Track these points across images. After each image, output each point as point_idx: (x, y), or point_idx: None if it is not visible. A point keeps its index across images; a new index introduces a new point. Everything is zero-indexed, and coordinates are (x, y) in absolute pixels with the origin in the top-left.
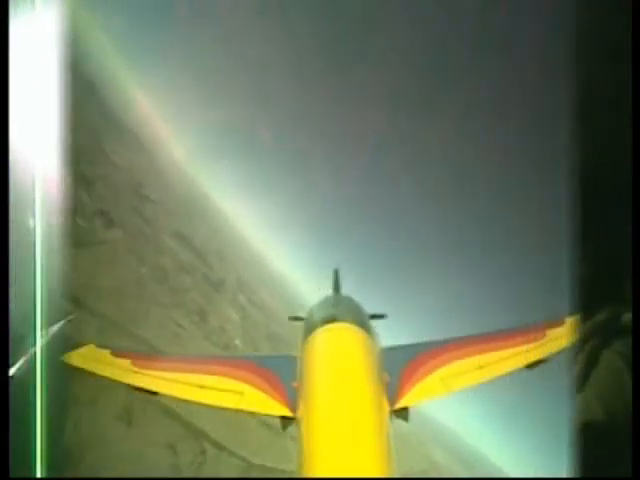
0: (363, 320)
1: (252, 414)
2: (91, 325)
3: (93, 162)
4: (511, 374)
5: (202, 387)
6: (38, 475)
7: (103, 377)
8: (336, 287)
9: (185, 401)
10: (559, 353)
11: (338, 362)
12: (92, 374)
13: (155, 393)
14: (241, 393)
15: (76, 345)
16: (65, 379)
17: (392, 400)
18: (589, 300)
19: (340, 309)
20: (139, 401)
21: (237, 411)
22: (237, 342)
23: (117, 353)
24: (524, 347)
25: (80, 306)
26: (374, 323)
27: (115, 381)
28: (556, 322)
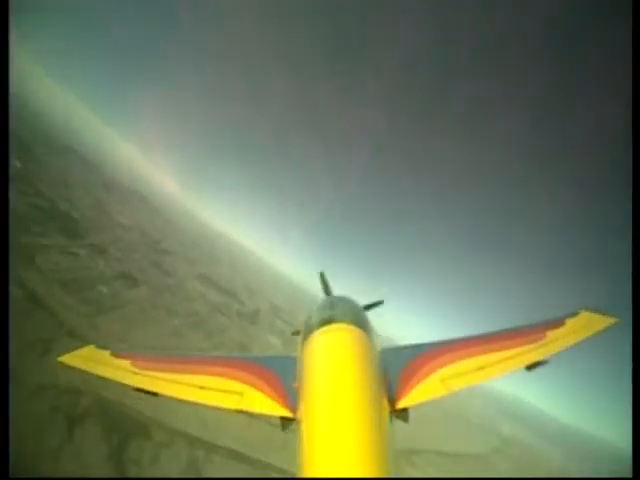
0: (362, 321)
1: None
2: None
3: (100, 229)
4: (512, 374)
5: (202, 388)
6: None
7: (104, 378)
8: (326, 290)
9: (185, 402)
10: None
11: (336, 363)
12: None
13: (155, 394)
14: (241, 394)
15: None
16: (121, 441)
17: (392, 400)
18: None
19: (338, 310)
20: (203, 451)
21: (237, 412)
22: None
23: (117, 354)
24: (524, 348)
25: None
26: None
27: (115, 382)
28: (556, 323)
